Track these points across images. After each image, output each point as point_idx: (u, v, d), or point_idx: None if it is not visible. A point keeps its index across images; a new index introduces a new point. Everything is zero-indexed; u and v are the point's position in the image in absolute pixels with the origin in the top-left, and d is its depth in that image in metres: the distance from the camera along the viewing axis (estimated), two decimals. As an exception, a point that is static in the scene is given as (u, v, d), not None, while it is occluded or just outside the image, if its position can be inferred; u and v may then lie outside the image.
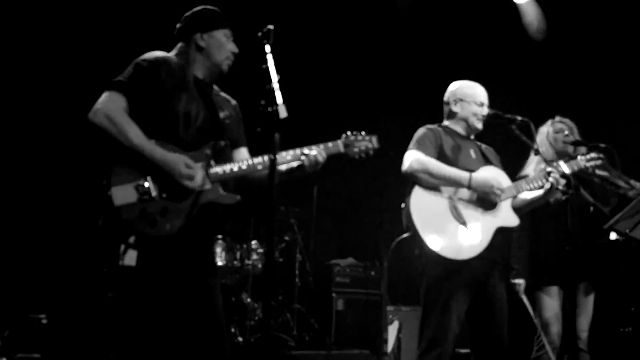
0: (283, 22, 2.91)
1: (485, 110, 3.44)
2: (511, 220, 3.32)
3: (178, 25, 2.72)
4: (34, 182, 5.30)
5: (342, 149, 2.66)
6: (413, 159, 3.26)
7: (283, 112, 2.07)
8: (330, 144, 2.65)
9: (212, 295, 2.53)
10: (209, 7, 2.73)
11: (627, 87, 5.71)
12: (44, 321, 4.59)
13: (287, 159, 2.60)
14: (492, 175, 3.30)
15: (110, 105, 2.42)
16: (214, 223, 2.60)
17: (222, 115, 2.66)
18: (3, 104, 5.21)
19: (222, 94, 2.79)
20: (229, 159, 2.61)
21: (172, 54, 2.64)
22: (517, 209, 3.40)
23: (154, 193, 2.38)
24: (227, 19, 2.72)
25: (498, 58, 6.08)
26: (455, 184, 3.24)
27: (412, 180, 3.27)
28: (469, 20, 6.18)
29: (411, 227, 3.19)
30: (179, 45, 2.67)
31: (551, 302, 3.85)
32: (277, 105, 2.08)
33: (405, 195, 3.28)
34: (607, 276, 4.00)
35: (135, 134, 2.39)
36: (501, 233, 3.28)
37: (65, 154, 5.26)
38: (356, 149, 2.68)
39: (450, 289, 3.16)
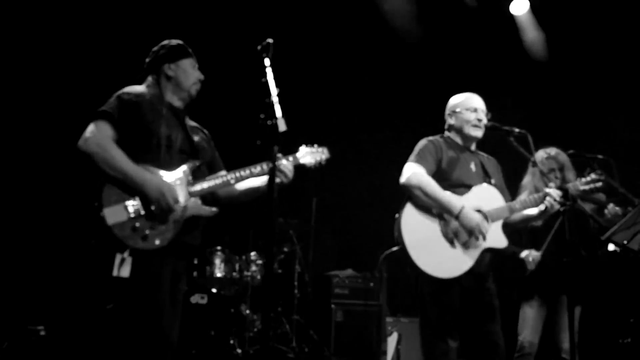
0: (282, 36, 2.94)
1: (480, 115, 3.43)
2: (499, 241, 3.36)
3: (147, 60, 2.94)
4: (30, 197, 5.32)
5: (300, 160, 2.90)
6: (412, 172, 3.29)
7: (282, 126, 2.11)
8: (290, 158, 2.89)
9: (179, 296, 2.77)
10: (173, 40, 2.96)
11: (626, 96, 5.75)
12: (42, 333, 4.58)
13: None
14: (480, 215, 3.28)
15: (100, 134, 2.63)
16: (196, 233, 2.79)
17: (196, 138, 2.89)
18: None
19: (193, 122, 3.00)
20: (204, 177, 2.83)
21: (144, 87, 2.86)
22: (511, 224, 3.46)
23: (142, 212, 2.58)
24: (190, 50, 2.95)
25: (500, 73, 6.12)
26: (445, 211, 3.27)
27: (407, 193, 3.30)
28: (471, 36, 6.24)
29: (401, 242, 3.26)
30: (149, 78, 2.89)
31: (530, 312, 3.94)
32: (276, 118, 2.13)
33: (400, 206, 3.31)
34: (604, 288, 4.00)
35: (124, 161, 2.59)
36: (489, 252, 3.33)
37: (60, 170, 5.28)
38: (312, 160, 2.93)
39: (445, 299, 3.23)
